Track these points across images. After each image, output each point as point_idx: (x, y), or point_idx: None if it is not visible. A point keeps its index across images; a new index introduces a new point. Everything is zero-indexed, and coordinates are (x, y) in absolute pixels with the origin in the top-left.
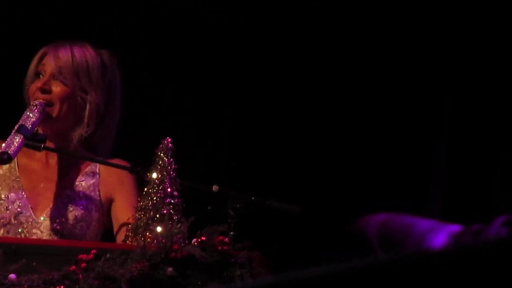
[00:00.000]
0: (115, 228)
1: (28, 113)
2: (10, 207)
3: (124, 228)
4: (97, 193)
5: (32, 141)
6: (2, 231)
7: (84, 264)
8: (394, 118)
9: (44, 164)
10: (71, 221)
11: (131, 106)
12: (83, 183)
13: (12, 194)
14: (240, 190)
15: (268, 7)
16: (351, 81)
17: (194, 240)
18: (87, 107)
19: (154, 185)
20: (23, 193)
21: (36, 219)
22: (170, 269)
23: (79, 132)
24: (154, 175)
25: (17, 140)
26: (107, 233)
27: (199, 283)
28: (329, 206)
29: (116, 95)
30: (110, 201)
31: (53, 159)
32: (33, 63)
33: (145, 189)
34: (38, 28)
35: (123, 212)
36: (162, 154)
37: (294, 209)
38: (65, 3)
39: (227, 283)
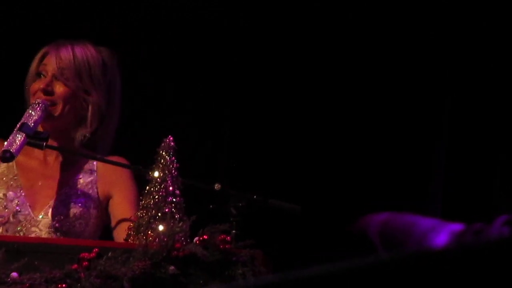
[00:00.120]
0: (113, 225)
1: (30, 111)
2: (8, 205)
3: (122, 225)
4: (95, 190)
5: (34, 139)
6: (1, 230)
7: (86, 262)
8: (394, 118)
9: (42, 162)
10: (70, 219)
11: (132, 105)
12: (81, 180)
13: (11, 192)
14: (241, 189)
15: (268, 7)
16: (351, 81)
17: (196, 238)
18: (89, 107)
19: (156, 184)
20: (22, 191)
21: (34, 217)
22: (172, 267)
23: (82, 132)
24: (156, 174)
25: (19, 138)
26: (106, 230)
27: (201, 281)
28: (330, 205)
29: (116, 94)
30: (108, 198)
31: (51, 156)
32: (34, 62)
33: (147, 187)
34: (38, 28)
35: (121, 208)
36: (164, 153)
37: (296, 208)
38: (65, 3)
39: (229, 282)
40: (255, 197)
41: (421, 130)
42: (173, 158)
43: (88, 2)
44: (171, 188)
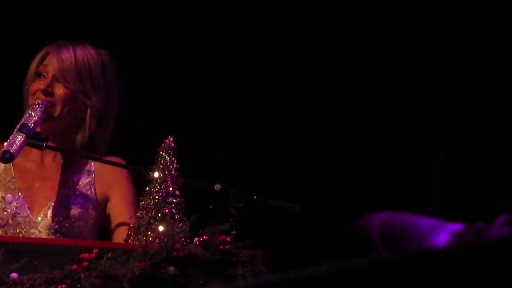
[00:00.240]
0: (112, 225)
1: (30, 112)
2: (7, 207)
3: (120, 225)
4: (93, 191)
5: (34, 140)
6: (0, 232)
7: (86, 263)
8: (394, 118)
9: (39, 164)
10: (69, 220)
11: (132, 105)
12: (79, 181)
13: (9, 195)
14: (242, 189)
15: (268, 7)
16: (351, 82)
17: (196, 239)
18: (88, 110)
19: (156, 184)
20: (20, 193)
21: (34, 219)
22: (172, 268)
23: (82, 134)
24: (156, 174)
25: (19, 139)
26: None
27: (201, 282)
28: (330, 205)
29: (115, 96)
30: (106, 199)
31: (49, 158)
32: (34, 62)
33: (147, 188)
34: (38, 28)
35: (119, 210)
36: (164, 153)
37: (296, 208)
38: (65, 3)
39: (229, 282)
40: (255, 197)
41: (421, 130)
42: (173, 158)
43: (88, 2)
44: (171, 188)
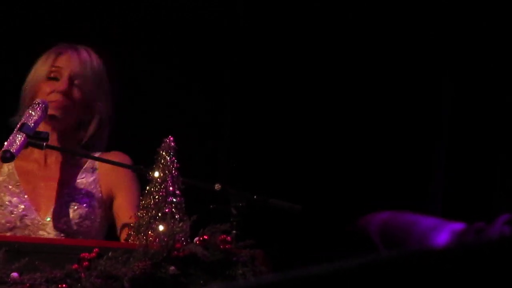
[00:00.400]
0: (118, 226)
1: (30, 111)
2: (14, 210)
3: (126, 227)
4: (98, 189)
5: (35, 139)
6: (8, 235)
7: (87, 262)
8: (394, 118)
9: (42, 164)
10: (76, 220)
11: (132, 105)
12: (83, 180)
13: (15, 198)
14: (242, 189)
15: (268, 6)
16: (351, 81)
17: (196, 238)
18: (95, 114)
19: (156, 184)
20: (26, 196)
21: (41, 220)
22: (172, 267)
23: (82, 135)
24: (156, 174)
25: (19, 138)
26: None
27: (202, 281)
28: (330, 205)
29: (113, 98)
30: (111, 198)
31: (51, 158)
32: (44, 64)
33: (147, 187)
34: (38, 28)
35: (124, 210)
36: (164, 153)
37: (296, 208)
38: (65, 3)
39: (229, 282)
40: (255, 197)
41: (421, 130)
42: (174, 158)
43: (88, 2)
44: (171, 188)
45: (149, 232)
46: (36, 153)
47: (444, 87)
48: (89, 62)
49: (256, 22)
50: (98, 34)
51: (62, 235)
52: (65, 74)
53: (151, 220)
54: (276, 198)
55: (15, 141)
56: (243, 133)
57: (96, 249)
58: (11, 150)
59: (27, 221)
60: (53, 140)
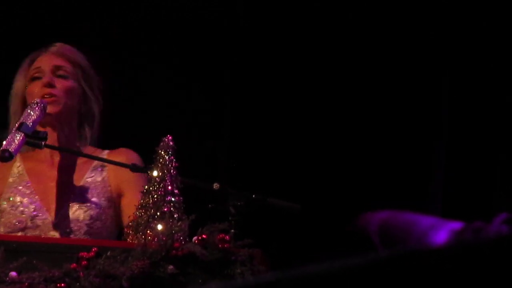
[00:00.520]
0: (124, 224)
1: (29, 111)
2: (25, 211)
3: None
4: (108, 188)
5: (33, 139)
6: (19, 235)
7: (85, 262)
8: (394, 118)
9: (50, 164)
10: (87, 221)
11: (132, 104)
12: (93, 179)
13: (26, 199)
14: (241, 188)
15: (268, 6)
16: (351, 82)
17: (195, 238)
18: (92, 96)
19: (155, 183)
20: (36, 196)
21: (52, 220)
22: (171, 267)
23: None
24: (155, 173)
25: (18, 138)
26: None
27: (200, 281)
28: (330, 205)
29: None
30: (121, 195)
31: (59, 157)
32: (25, 68)
33: (146, 187)
34: (38, 28)
35: (133, 208)
36: (162, 152)
37: (295, 207)
38: (65, 3)
39: (228, 281)
40: (254, 196)
41: (421, 130)
42: (172, 157)
43: (88, 2)
44: (170, 187)
45: (148, 231)
46: (43, 153)
47: (444, 87)
48: (69, 52)
49: (256, 22)
50: (98, 34)
51: (72, 235)
52: (47, 70)
53: (150, 219)
54: (274, 198)
55: (13, 140)
56: (242, 132)
57: (95, 248)
58: (10, 149)
59: (38, 222)
60: (55, 139)
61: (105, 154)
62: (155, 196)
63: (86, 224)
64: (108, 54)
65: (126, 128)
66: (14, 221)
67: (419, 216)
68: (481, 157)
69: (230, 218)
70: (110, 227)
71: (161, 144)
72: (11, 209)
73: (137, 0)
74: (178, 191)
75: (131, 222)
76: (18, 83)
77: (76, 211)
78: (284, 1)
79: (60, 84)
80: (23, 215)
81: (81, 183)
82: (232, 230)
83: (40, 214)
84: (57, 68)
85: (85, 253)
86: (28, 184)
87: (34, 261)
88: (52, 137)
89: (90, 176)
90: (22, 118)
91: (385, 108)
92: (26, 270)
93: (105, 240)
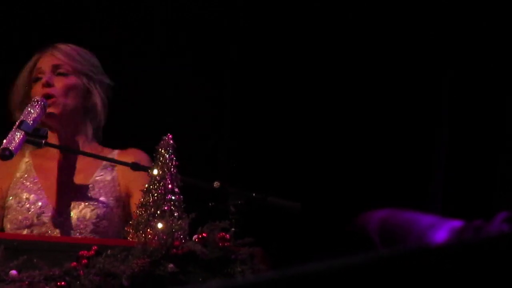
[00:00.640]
0: None
1: (29, 109)
2: (31, 207)
3: None
4: (117, 187)
5: (34, 137)
6: (25, 232)
7: (85, 260)
8: (395, 118)
9: (59, 162)
10: (93, 220)
11: (132, 103)
12: (102, 177)
13: (33, 195)
14: (241, 187)
15: (268, 6)
16: (351, 81)
17: (195, 236)
18: (96, 91)
19: (155, 182)
20: (43, 193)
21: (58, 218)
22: (171, 265)
23: (89, 120)
24: (155, 172)
25: (18, 136)
26: None
27: (200, 279)
28: (330, 204)
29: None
30: (129, 195)
31: (67, 155)
32: (26, 72)
33: (146, 185)
34: (38, 28)
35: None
36: (163, 151)
37: (295, 206)
38: (65, 3)
39: (228, 279)
40: (254, 195)
41: (421, 130)
42: (172, 156)
43: (88, 2)
44: (170, 186)
45: (148, 230)
46: (52, 150)
47: (444, 87)
48: (69, 50)
49: (256, 22)
50: (98, 34)
51: (78, 234)
52: (47, 70)
53: (150, 218)
54: (275, 196)
55: (14, 138)
56: (242, 131)
57: (95, 247)
58: (10, 147)
59: (45, 219)
60: (59, 139)
61: (115, 153)
62: (156, 194)
63: (93, 223)
64: (108, 53)
65: (127, 127)
66: (20, 217)
67: (419, 215)
68: (481, 157)
69: (230, 217)
70: (117, 227)
71: (162, 142)
72: (18, 206)
73: (137, 0)
74: (178, 189)
75: (131, 220)
76: (20, 80)
77: (83, 210)
78: (284, 1)
79: (60, 82)
80: (29, 213)
81: (90, 182)
82: (233, 229)
83: (47, 211)
84: (56, 66)
85: (85, 252)
86: (36, 180)
87: (35, 260)
88: (56, 137)
89: (99, 175)
90: (22, 116)
91: (385, 108)
92: (27, 268)
93: (105, 239)
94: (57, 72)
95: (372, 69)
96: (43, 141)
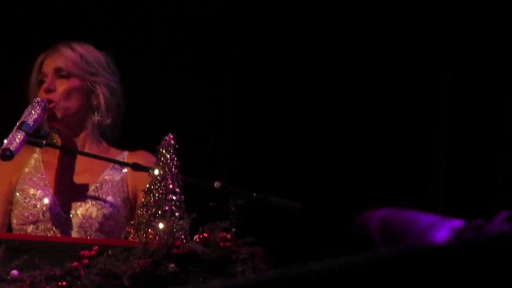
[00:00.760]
0: None
1: (30, 109)
2: (38, 204)
3: None
4: (125, 189)
5: (34, 137)
6: (30, 228)
7: (86, 260)
8: (395, 118)
9: (68, 159)
10: (99, 219)
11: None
12: (111, 177)
13: (39, 191)
14: (241, 187)
15: (268, 6)
16: (351, 81)
17: (196, 236)
18: (100, 90)
19: (156, 182)
20: (50, 189)
21: (64, 215)
22: (172, 265)
23: (95, 121)
24: (156, 172)
25: (19, 136)
26: None
27: (201, 279)
28: (330, 204)
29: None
30: (136, 197)
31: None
32: (34, 73)
33: (147, 185)
34: (38, 28)
35: None
36: (164, 151)
37: (296, 205)
38: (65, 3)
39: (229, 279)
40: (255, 194)
41: (421, 130)
42: (173, 156)
43: (88, 2)
44: (171, 186)
45: (149, 230)
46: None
47: (444, 87)
48: (70, 52)
49: (256, 22)
50: (98, 34)
51: (83, 232)
52: (49, 74)
53: (151, 218)
54: (275, 196)
55: (14, 139)
56: (243, 131)
57: (96, 247)
58: (11, 148)
59: (50, 215)
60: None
61: (125, 154)
62: (157, 194)
63: (98, 222)
64: (108, 53)
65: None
66: (26, 213)
67: (419, 214)
68: (481, 157)
69: (231, 217)
70: (122, 227)
71: (162, 142)
72: (24, 202)
73: (137, 0)
74: (179, 189)
75: (132, 220)
76: (31, 80)
77: (90, 208)
78: (284, 1)
79: (61, 86)
80: (35, 209)
81: (99, 181)
82: (233, 229)
83: (53, 208)
84: (58, 70)
85: (86, 252)
86: (43, 176)
87: (36, 260)
88: (62, 139)
89: (108, 174)
90: (23, 117)
91: (385, 108)
92: (28, 268)
93: (106, 239)
94: (59, 75)
95: (372, 69)
96: (44, 142)
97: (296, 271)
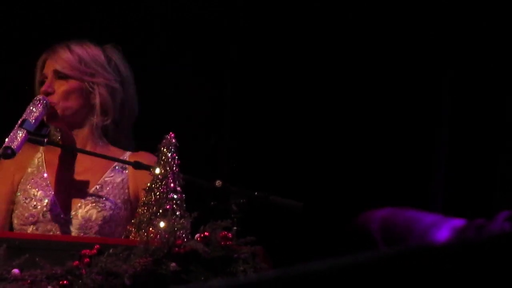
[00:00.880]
0: None
1: (31, 107)
2: (38, 204)
3: None
4: (126, 191)
5: (35, 135)
6: (30, 229)
7: (87, 259)
8: (395, 118)
9: (70, 159)
10: (99, 222)
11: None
12: (112, 178)
13: (40, 191)
14: (243, 186)
15: (268, 5)
16: (352, 81)
17: (197, 235)
18: (97, 91)
19: (157, 181)
20: (51, 190)
21: (64, 216)
22: (173, 264)
23: (94, 121)
24: (157, 171)
25: (20, 134)
26: None
27: (202, 278)
28: (331, 203)
29: (130, 86)
30: (138, 199)
31: (80, 153)
32: (37, 73)
33: (148, 184)
34: (38, 28)
35: None
36: (165, 150)
37: (297, 205)
38: (65, 3)
39: (230, 278)
40: (256, 193)
41: (421, 130)
42: (174, 154)
43: (88, 2)
44: (172, 184)
45: (150, 229)
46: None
47: (444, 87)
48: (68, 54)
49: (256, 22)
50: (98, 34)
51: (82, 234)
52: (49, 75)
53: (152, 217)
54: (277, 195)
55: (16, 137)
56: (244, 130)
57: (97, 246)
58: (12, 146)
59: (50, 216)
60: (67, 140)
61: (127, 155)
62: (158, 193)
63: (98, 225)
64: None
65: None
66: (26, 214)
67: (420, 214)
68: (481, 157)
69: (232, 216)
70: (122, 229)
71: (163, 141)
72: (24, 202)
73: (137, 0)
74: (180, 188)
75: (133, 219)
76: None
77: (90, 210)
78: (284, 1)
79: (60, 87)
80: (35, 209)
81: (99, 182)
82: (234, 228)
83: (53, 209)
84: (57, 71)
85: (87, 251)
86: (45, 176)
87: (37, 259)
88: (64, 138)
89: (109, 176)
90: (24, 115)
91: (385, 108)
92: (29, 267)
93: (107, 238)
94: (58, 76)
95: (372, 69)
96: (45, 140)
97: (297, 271)
